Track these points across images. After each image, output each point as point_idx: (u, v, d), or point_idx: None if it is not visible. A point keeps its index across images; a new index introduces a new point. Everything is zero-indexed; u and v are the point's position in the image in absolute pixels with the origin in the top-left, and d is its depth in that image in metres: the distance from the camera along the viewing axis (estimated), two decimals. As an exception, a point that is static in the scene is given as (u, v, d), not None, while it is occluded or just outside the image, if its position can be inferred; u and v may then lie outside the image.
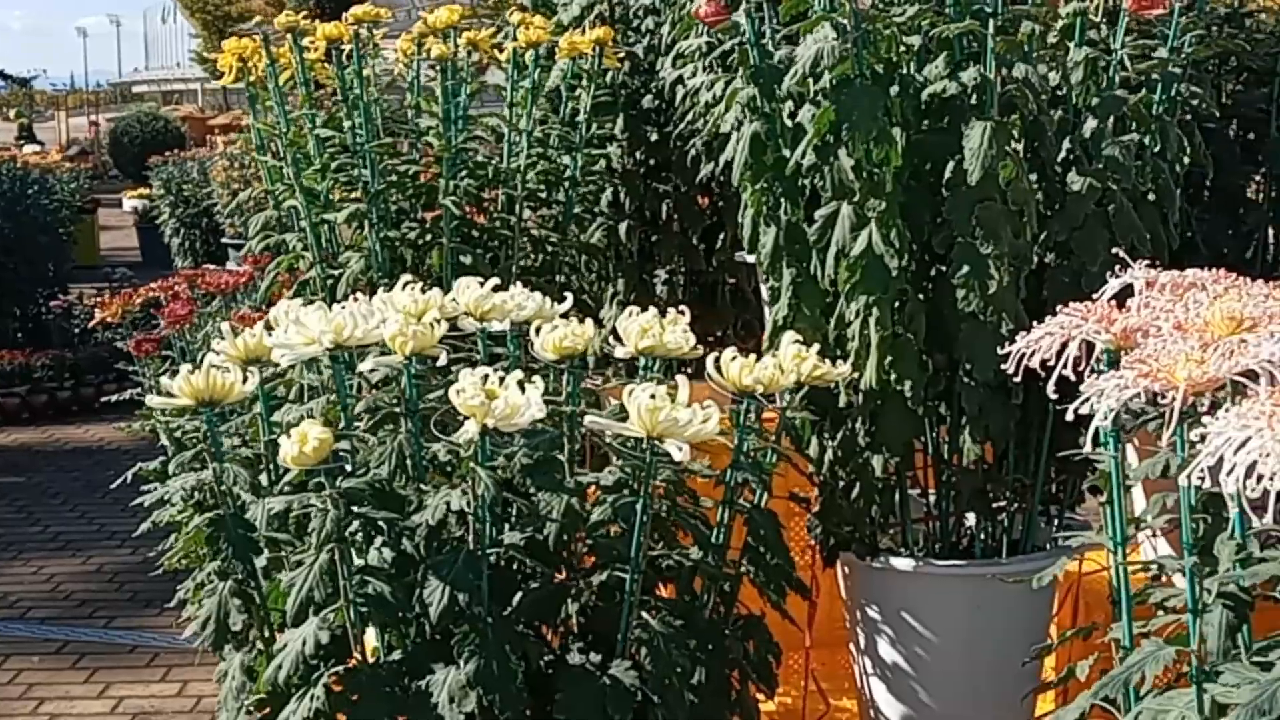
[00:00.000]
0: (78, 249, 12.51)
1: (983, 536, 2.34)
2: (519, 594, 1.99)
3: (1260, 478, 1.32)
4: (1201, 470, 1.37)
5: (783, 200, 2.22)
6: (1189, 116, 2.37)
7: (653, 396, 1.87)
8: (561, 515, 1.94)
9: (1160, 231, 2.21)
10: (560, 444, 1.99)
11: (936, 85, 2.05)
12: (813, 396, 2.26)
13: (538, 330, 2.06)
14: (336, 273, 2.72)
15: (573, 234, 3.03)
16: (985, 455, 2.31)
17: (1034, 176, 2.18)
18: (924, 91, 2.07)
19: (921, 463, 2.39)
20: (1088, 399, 1.55)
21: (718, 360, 2.04)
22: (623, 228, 3.28)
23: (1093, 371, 1.66)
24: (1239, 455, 1.34)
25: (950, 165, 2.08)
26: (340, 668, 1.91)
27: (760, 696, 2.71)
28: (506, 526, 1.99)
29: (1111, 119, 2.10)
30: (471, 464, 1.83)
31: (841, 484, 2.30)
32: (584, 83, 2.84)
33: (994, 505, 2.32)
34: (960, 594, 2.29)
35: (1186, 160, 2.29)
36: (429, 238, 2.75)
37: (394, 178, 2.74)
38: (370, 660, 1.94)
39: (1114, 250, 2.04)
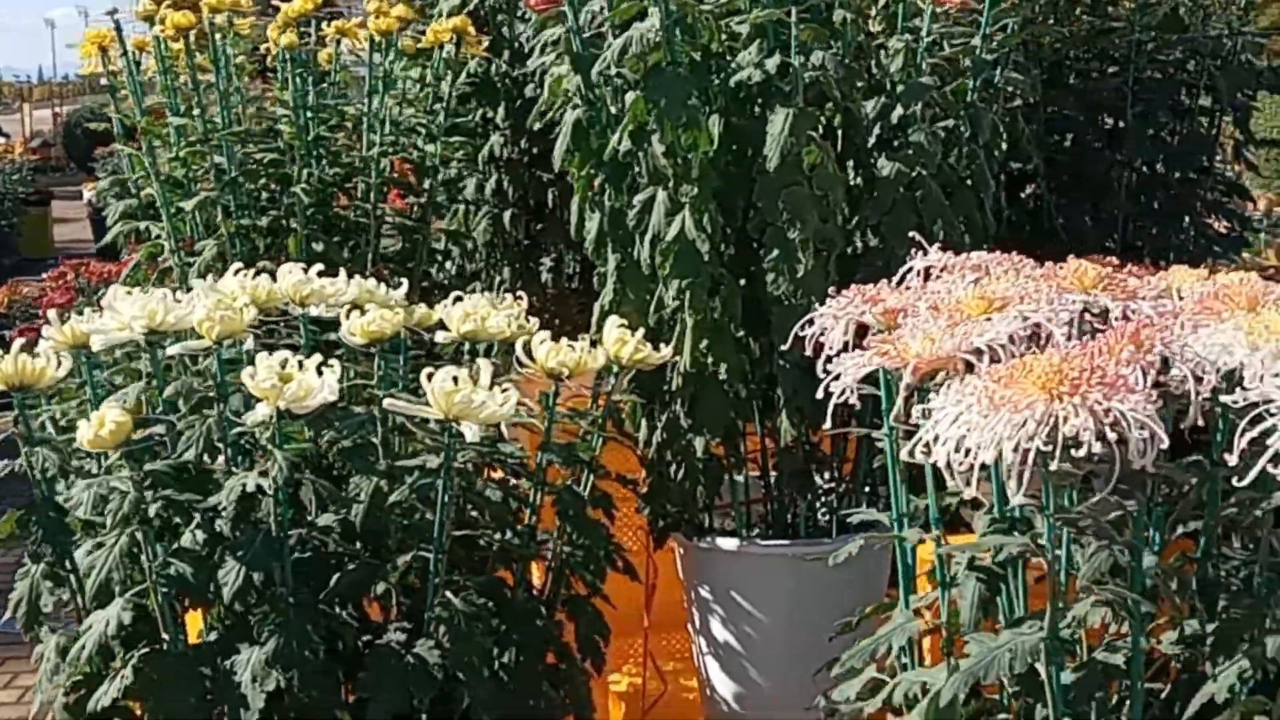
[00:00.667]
0: (24, 241, 12.52)
1: (807, 516, 2.37)
2: (337, 575, 2.01)
3: (968, 451, 1.36)
4: (924, 445, 1.41)
5: (607, 186, 2.25)
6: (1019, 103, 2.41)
7: (455, 380, 1.90)
8: (369, 497, 1.97)
9: (976, 216, 2.25)
10: (371, 426, 2.01)
11: (743, 72, 2.08)
12: (643, 380, 2.30)
13: (348, 315, 2.09)
14: (192, 260, 2.74)
15: (458, 222, 3.07)
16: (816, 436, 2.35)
17: (852, 163, 2.22)
18: (731, 79, 2.10)
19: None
20: (836, 376, 1.59)
21: (527, 344, 2.07)
22: (507, 216, 3.31)
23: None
24: (949, 430, 1.38)
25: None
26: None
27: (617, 677, 2.79)
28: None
29: (920, 105, 2.13)
30: (268, 445, 1.86)
31: (670, 466, 2.33)
32: (441, 70, 2.86)
33: (818, 486, 2.36)
34: (783, 574, 2.32)
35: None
36: (286, 224, 2.77)
37: (252, 165, 2.76)
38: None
39: (934, 233, 2.10)
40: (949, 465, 1.37)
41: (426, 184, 2.96)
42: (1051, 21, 3.13)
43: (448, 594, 1.95)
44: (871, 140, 2.19)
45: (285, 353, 1.91)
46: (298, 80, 2.74)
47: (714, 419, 2.24)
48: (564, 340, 2.08)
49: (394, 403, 1.92)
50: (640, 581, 2.36)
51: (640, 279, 2.23)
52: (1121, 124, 3.10)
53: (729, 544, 2.34)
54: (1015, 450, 1.32)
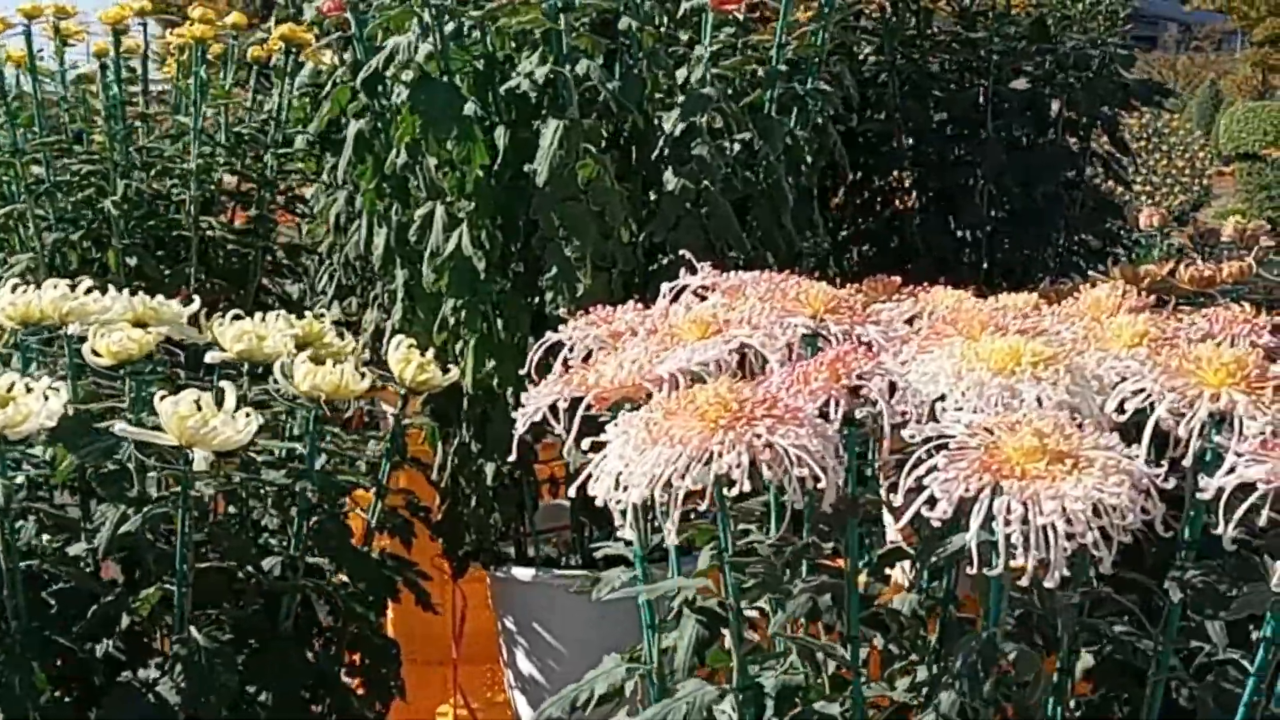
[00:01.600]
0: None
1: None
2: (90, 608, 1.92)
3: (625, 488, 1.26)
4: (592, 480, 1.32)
5: (394, 201, 2.16)
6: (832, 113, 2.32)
7: (197, 403, 1.81)
8: (113, 525, 1.88)
9: (775, 232, 2.15)
10: (113, 451, 1.92)
11: (512, 81, 1.99)
12: (439, 402, 2.22)
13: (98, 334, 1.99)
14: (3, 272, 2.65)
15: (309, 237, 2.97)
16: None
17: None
18: (500, 88, 2.01)
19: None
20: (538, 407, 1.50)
21: (284, 366, 1.98)
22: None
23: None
24: (610, 464, 1.29)
25: (542, 165, 2.02)
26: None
27: (445, 708, 2.69)
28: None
29: (704, 117, 2.04)
30: (-9, 472, 1.77)
31: (463, 492, 2.24)
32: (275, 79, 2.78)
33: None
34: (583, 603, 2.22)
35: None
36: (107, 240, 2.68)
37: (67, 177, 2.67)
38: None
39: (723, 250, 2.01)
40: (611, 503, 1.28)
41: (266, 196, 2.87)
42: (913, 33, 3.05)
43: (191, 629, 1.86)
44: (668, 154, 2.09)
45: (13, 375, 1.81)
46: (114, 88, 2.64)
47: (503, 443, 2.14)
48: (329, 363, 1.99)
49: (126, 428, 1.83)
50: (437, 612, 2.27)
51: (428, 297, 2.14)
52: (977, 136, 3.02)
53: (524, 574, 2.25)
54: (667, 488, 1.23)
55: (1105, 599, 1.50)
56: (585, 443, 1.35)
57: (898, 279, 1.90)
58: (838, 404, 1.34)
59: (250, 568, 1.93)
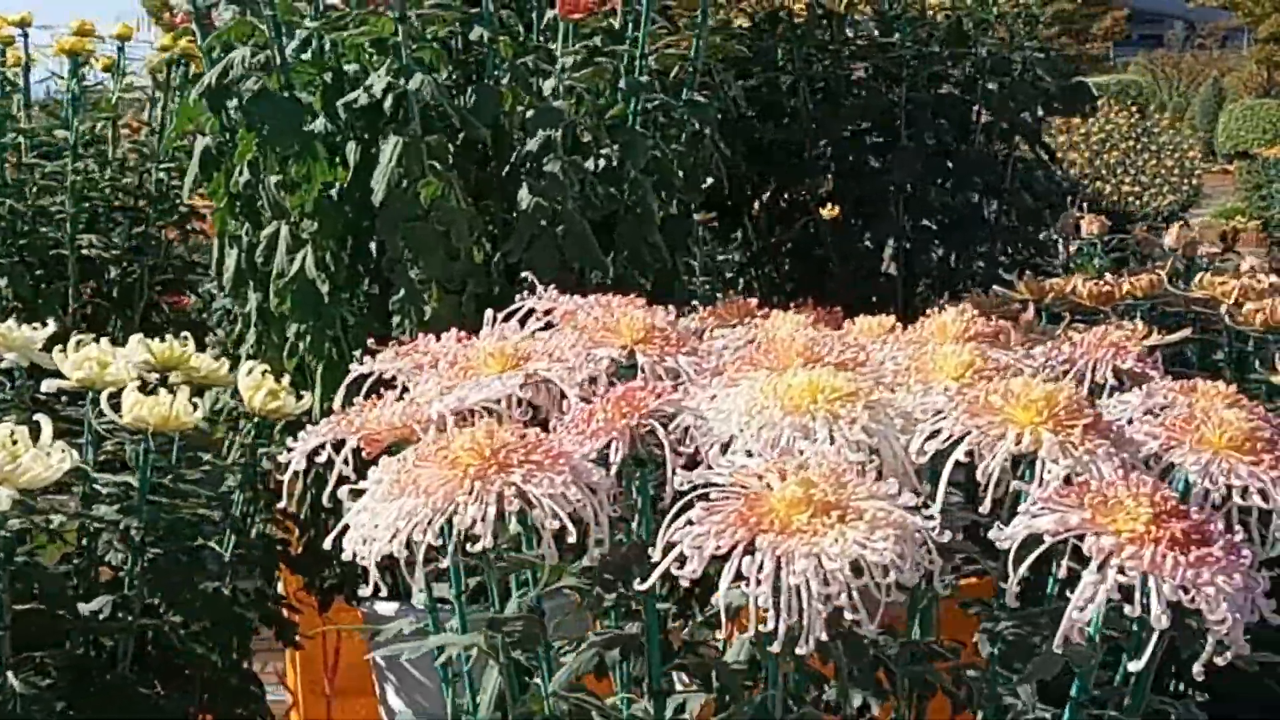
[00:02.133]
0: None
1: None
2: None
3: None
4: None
5: (244, 220, 2.07)
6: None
7: (13, 436, 1.72)
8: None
9: (643, 250, 2.06)
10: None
11: (351, 95, 1.90)
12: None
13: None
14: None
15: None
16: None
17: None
18: (337, 103, 1.92)
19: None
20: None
21: (113, 396, 1.89)
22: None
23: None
24: (357, 517, 1.19)
25: (389, 183, 1.93)
26: None
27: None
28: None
29: (559, 133, 1.94)
30: None
31: (327, 524, 2.15)
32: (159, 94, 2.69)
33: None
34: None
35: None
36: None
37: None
38: None
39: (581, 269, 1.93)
40: (359, 559, 1.18)
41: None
42: (827, 38, 2.95)
43: (9, 675, 1.77)
44: (522, 171, 2.00)
45: None
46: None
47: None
48: (163, 391, 1.90)
49: (-71, 465, 1.73)
50: (299, 647, 2.18)
51: (278, 321, 2.05)
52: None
53: (387, 608, 2.16)
54: (407, 544, 1.13)
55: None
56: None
57: (752, 301, 1.81)
58: (618, 446, 1.24)
59: (66, 610, 1.82)
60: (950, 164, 2.87)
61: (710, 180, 2.32)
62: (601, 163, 2.04)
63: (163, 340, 2.03)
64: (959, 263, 2.95)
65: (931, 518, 1.09)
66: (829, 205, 3.03)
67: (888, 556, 1.04)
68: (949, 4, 2.97)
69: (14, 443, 1.71)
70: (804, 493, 1.09)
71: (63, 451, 1.73)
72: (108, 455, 2.04)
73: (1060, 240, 3.55)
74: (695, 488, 1.14)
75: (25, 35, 2.74)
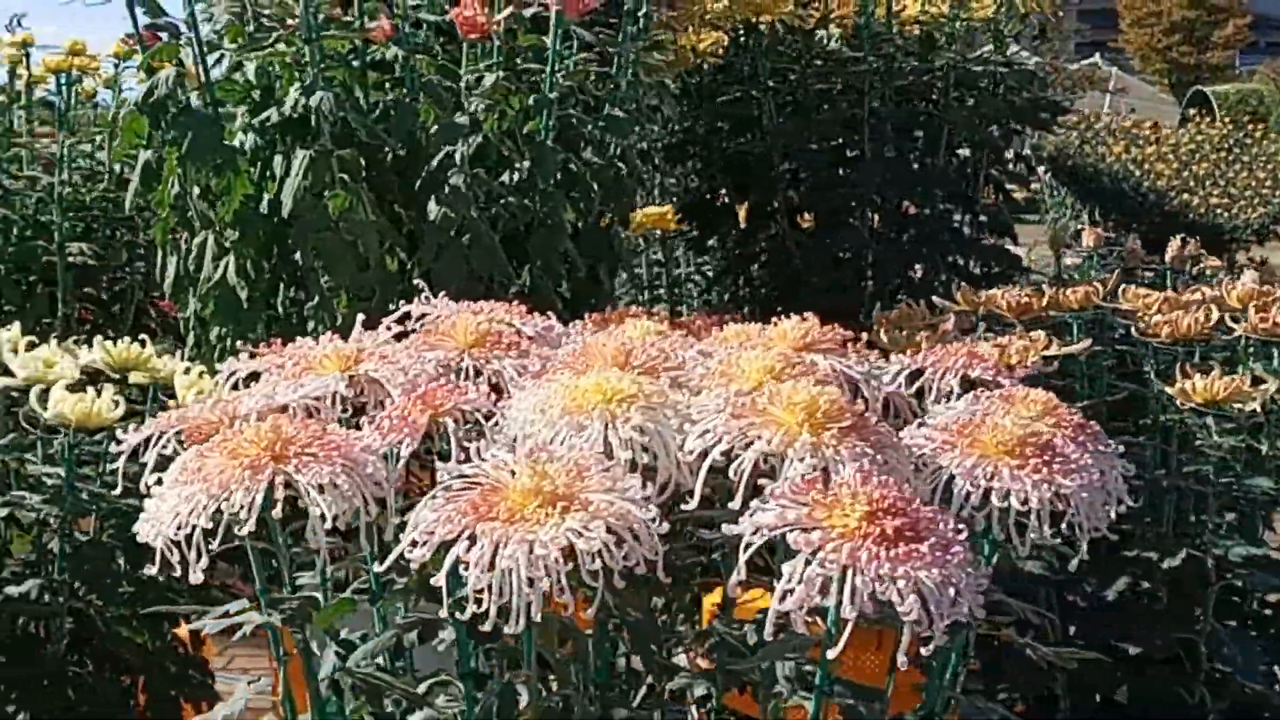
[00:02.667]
0: None
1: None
2: None
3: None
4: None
5: (181, 229, 2.19)
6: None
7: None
8: None
9: (554, 261, 2.14)
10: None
11: (267, 112, 2.01)
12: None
13: None
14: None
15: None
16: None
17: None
18: (255, 118, 2.03)
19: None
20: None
21: (41, 395, 2.02)
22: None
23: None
24: (151, 504, 1.29)
25: (307, 195, 2.04)
26: None
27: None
28: None
29: (463, 145, 2.03)
30: None
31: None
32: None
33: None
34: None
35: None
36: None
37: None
38: None
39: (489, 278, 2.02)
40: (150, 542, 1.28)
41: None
42: (796, 54, 3.01)
43: (-65, 653, 1.91)
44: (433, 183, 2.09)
45: None
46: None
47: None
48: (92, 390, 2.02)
49: None
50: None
51: (207, 325, 2.16)
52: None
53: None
54: (178, 530, 1.22)
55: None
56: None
57: (715, 315, 1.89)
58: (408, 441, 1.33)
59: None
60: (913, 176, 2.90)
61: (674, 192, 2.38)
62: (516, 176, 2.12)
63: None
64: (928, 273, 2.98)
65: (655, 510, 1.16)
66: (803, 216, 3.09)
67: (596, 545, 1.11)
68: (926, 17, 3.00)
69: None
70: (535, 484, 1.16)
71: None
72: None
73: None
74: (458, 478, 1.22)
75: (28, 55, 2.91)
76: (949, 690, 1.39)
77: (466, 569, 1.12)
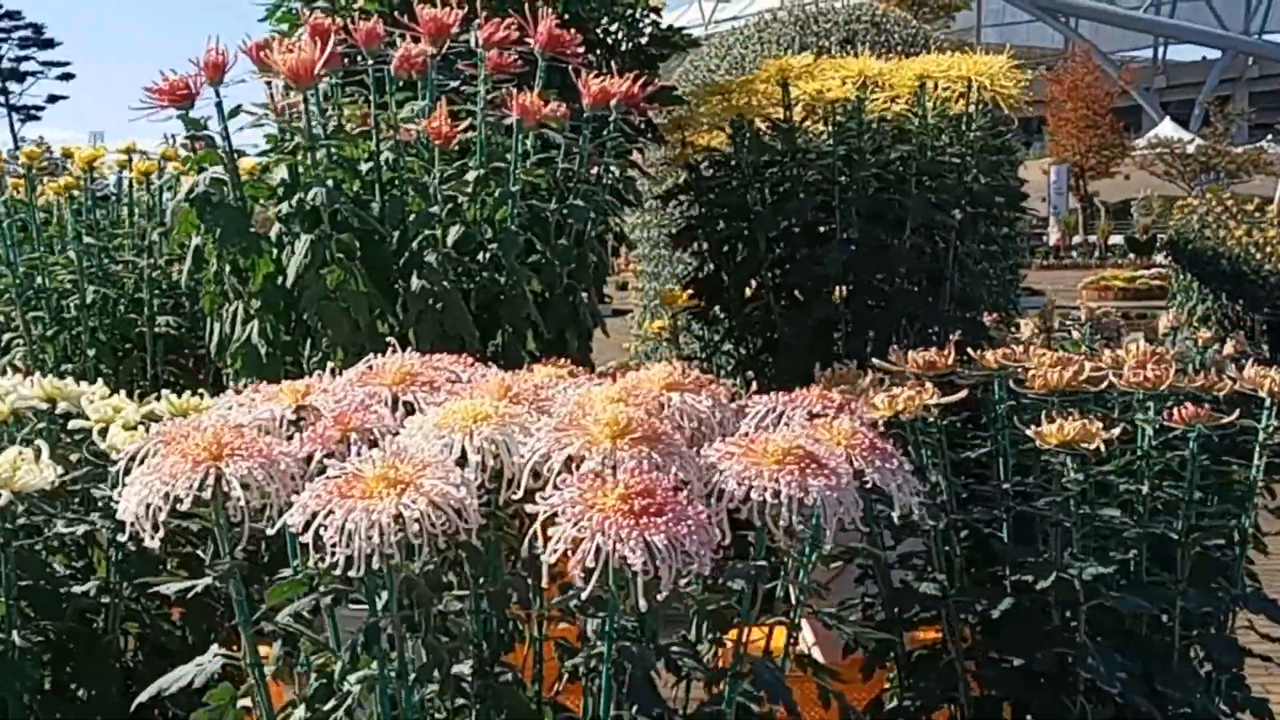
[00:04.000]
0: None
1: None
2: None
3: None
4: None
5: (224, 301, 2.70)
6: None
7: (20, 457, 2.36)
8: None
9: (521, 324, 2.58)
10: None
11: (277, 206, 2.50)
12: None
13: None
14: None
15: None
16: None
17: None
18: (272, 210, 2.53)
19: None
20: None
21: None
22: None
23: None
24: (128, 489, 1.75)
25: (313, 271, 2.52)
26: None
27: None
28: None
29: (438, 231, 2.50)
30: None
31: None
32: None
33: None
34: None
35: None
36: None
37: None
38: None
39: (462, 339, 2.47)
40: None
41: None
42: (781, 147, 3.42)
43: (14, 632, 2.39)
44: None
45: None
46: (75, 219, 3.31)
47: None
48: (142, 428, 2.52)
49: (-39, 473, 2.39)
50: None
51: (237, 377, 2.65)
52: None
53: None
54: (143, 508, 1.68)
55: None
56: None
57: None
58: (318, 450, 1.77)
59: (49, 584, 2.44)
60: (878, 256, 3.28)
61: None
62: (486, 255, 2.58)
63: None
64: (897, 340, 3.33)
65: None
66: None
67: (417, 513, 1.54)
68: (892, 114, 3.39)
69: (18, 461, 2.35)
70: (385, 473, 1.59)
71: (54, 469, 2.37)
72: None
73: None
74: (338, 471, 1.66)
75: (130, 160, 3.49)
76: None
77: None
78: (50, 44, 73.27)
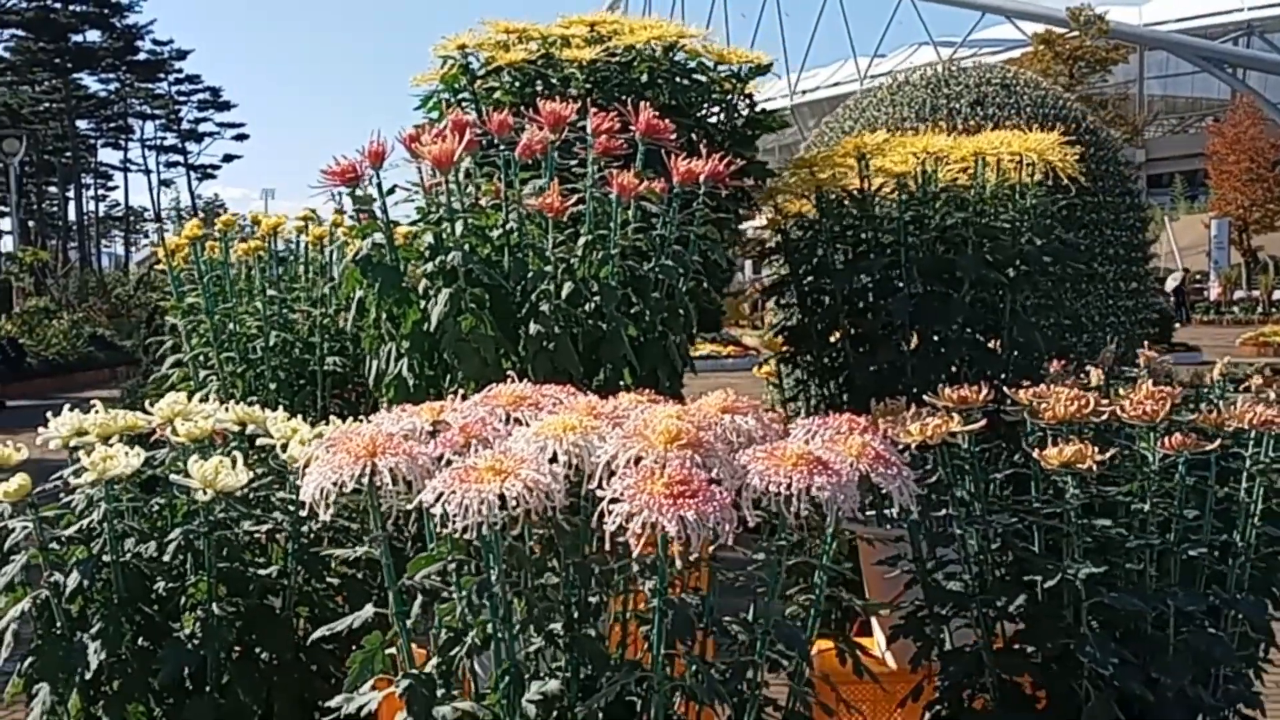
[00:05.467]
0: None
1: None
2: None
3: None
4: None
5: (380, 343, 3.32)
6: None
7: (219, 465, 3.01)
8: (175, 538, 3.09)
9: (619, 362, 3.15)
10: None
11: (426, 265, 3.11)
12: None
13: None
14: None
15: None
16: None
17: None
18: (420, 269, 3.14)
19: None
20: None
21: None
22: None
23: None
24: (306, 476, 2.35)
25: (453, 318, 3.13)
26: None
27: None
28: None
29: (548, 284, 3.08)
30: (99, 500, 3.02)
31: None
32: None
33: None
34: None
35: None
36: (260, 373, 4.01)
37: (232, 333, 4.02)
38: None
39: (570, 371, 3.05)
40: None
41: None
42: (857, 212, 3.95)
43: (214, 605, 3.02)
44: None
45: (122, 446, 3.07)
46: (260, 276, 3.99)
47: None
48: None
49: (176, 478, 3.04)
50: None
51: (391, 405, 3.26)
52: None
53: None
54: (318, 491, 2.27)
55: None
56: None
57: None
58: (446, 452, 2.35)
59: (240, 568, 3.06)
60: (937, 308, 3.78)
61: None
62: (592, 305, 3.15)
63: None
64: (956, 383, 3.81)
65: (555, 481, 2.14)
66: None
67: (514, 492, 2.10)
68: (955, 183, 3.90)
69: (220, 468, 2.99)
70: (494, 465, 2.16)
71: (246, 474, 3.00)
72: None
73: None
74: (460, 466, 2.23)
75: (306, 226, 4.17)
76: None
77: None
78: (227, 106, 76.96)
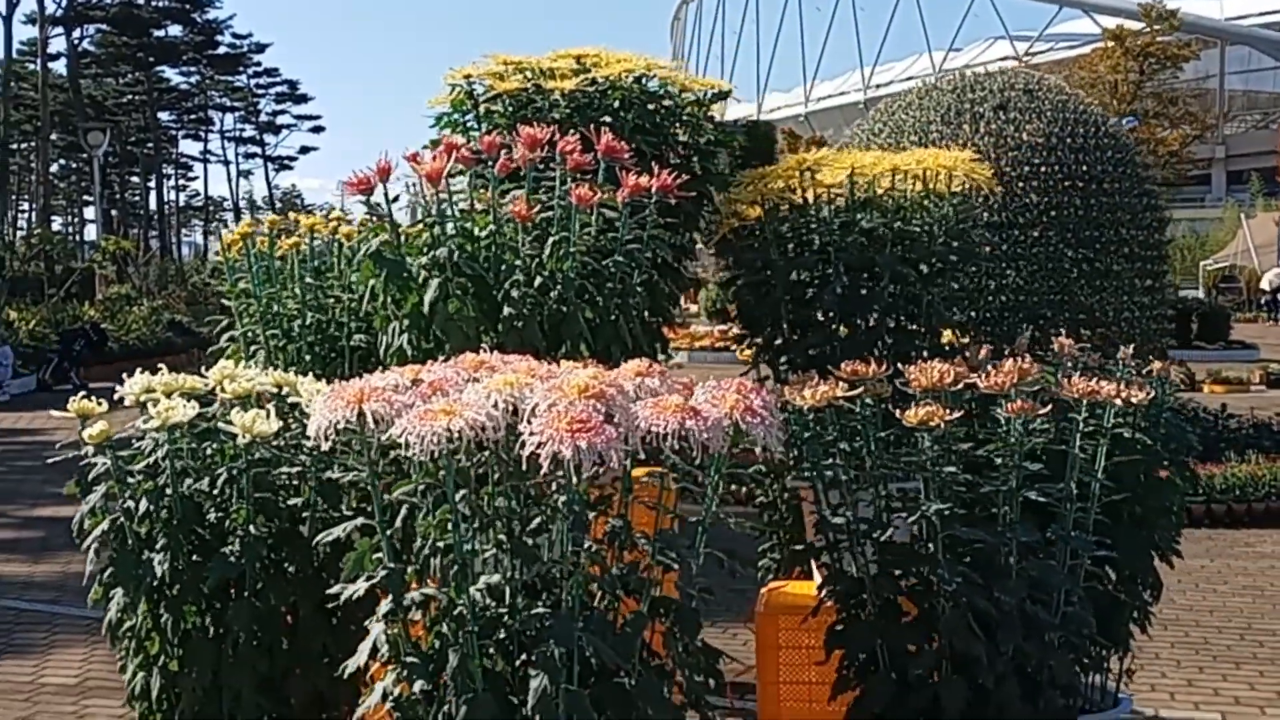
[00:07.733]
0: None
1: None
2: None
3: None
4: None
5: (388, 322, 4.11)
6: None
7: (257, 417, 3.81)
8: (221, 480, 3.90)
9: (576, 341, 3.91)
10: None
11: (422, 259, 3.89)
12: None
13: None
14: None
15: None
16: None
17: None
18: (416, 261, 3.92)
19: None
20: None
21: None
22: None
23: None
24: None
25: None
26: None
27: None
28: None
29: (521, 276, 3.85)
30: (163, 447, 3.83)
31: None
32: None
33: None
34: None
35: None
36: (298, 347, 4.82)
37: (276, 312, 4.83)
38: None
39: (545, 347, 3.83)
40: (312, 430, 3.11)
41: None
42: (799, 218, 4.68)
43: (251, 528, 3.81)
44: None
45: (182, 400, 3.87)
46: (302, 264, 4.78)
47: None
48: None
49: (223, 425, 3.83)
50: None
51: (400, 372, 4.05)
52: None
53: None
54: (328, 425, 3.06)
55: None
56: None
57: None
58: (419, 398, 3.13)
59: (272, 497, 3.85)
60: (859, 299, 4.51)
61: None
62: (555, 292, 3.92)
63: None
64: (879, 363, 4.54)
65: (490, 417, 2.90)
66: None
67: (458, 428, 2.87)
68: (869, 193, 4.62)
69: (256, 418, 3.78)
70: (447, 407, 2.93)
71: (277, 422, 3.79)
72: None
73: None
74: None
75: (338, 226, 4.97)
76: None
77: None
78: (304, 99, 78.59)
